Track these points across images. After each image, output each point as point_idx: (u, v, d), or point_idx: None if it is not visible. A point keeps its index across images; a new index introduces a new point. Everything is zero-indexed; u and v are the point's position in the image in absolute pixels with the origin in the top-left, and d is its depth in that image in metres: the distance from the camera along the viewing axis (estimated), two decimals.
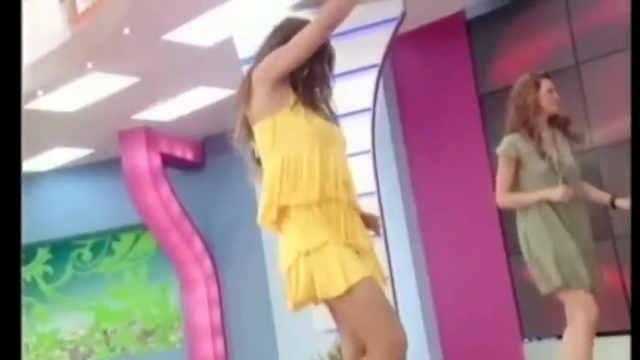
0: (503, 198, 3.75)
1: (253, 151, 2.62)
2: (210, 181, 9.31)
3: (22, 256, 9.61)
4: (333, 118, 2.61)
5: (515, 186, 3.74)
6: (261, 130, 2.51)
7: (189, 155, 9.28)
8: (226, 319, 9.19)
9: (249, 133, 2.59)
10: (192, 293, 9.09)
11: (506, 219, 5.89)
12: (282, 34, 2.55)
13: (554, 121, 3.79)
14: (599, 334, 3.60)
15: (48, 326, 10.03)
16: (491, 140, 6.20)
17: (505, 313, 6.45)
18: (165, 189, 8.71)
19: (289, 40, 2.47)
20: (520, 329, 6.42)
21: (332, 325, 2.75)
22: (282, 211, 2.46)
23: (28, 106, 6.93)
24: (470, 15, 6.77)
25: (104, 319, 9.95)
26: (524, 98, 3.75)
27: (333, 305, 2.44)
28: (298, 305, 2.44)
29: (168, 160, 8.91)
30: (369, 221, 2.64)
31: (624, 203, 3.70)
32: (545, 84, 3.77)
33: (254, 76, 2.52)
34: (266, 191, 2.48)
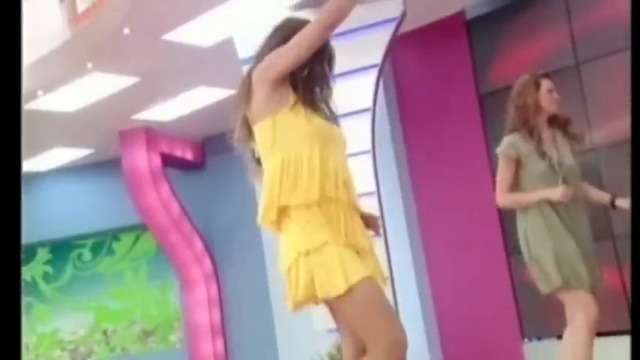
0: (503, 198, 3.75)
1: (253, 151, 2.62)
2: (210, 181, 9.31)
3: (22, 256, 9.61)
4: (333, 118, 2.61)
5: (515, 186, 3.74)
6: (261, 130, 2.51)
7: (189, 155, 9.28)
8: (226, 319, 9.19)
9: (249, 133, 2.59)
10: (192, 293, 9.09)
11: (506, 219, 5.89)
12: (282, 34, 2.55)
13: (554, 121, 3.79)
14: (599, 334, 3.59)
15: (48, 326, 10.03)
16: (491, 140, 6.20)
17: (505, 313, 6.45)
18: (165, 189, 8.71)
19: (289, 40, 2.47)
20: (520, 329, 6.42)
21: (332, 325, 2.75)
22: (282, 211, 2.46)
23: (28, 106, 6.93)
24: (470, 15, 6.78)
25: (104, 319, 9.95)
26: (524, 98, 3.75)
27: (333, 305, 2.44)
28: (298, 305, 2.44)
29: (169, 160, 8.91)
30: (369, 221, 2.64)
31: (624, 203, 3.70)
32: (545, 84, 3.77)
33: (254, 76, 2.52)
34: (266, 191, 2.48)
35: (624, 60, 5.46)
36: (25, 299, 9.82)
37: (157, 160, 8.66)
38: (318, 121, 2.52)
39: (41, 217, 9.18)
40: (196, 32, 6.24)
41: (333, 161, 2.48)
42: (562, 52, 6.14)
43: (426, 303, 6.77)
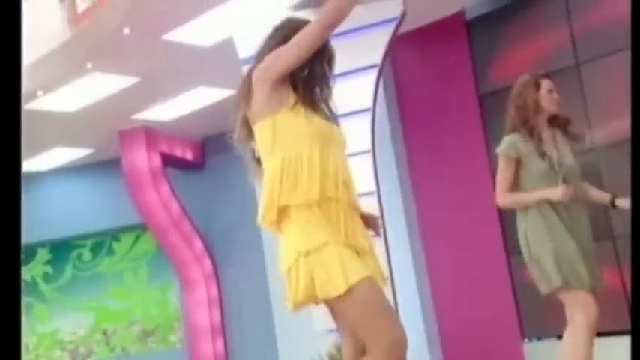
0: (503, 198, 3.75)
1: (253, 151, 2.62)
2: (210, 181, 9.32)
3: (22, 256, 9.61)
4: (333, 118, 2.61)
5: (515, 186, 3.74)
6: (261, 130, 2.51)
7: (189, 155, 9.28)
8: (226, 319, 9.20)
9: (249, 133, 2.59)
10: (192, 293, 9.09)
11: (506, 219, 5.89)
12: (282, 34, 2.55)
13: (554, 121, 3.79)
14: (599, 334, 3.60)
15: (48, 326, 10.03)
16: (491, 140, 6.21)
17: (505, 313, 6.45)
18: (165, 189, 8.71)
19: (289, 40, 2.47)
20: (520, 329, 6.42)
21: (332, 325, 2.75)
22: (282, 211, 2.46)
23: (28, 106, 6.93)
24: (470, 15, 6.78)
25: (104, 319, 9.95)
26: (524, 98, 3.75)
27: (333, 305, 2.44)
28: (298, 305, 2.44)
29: (168, 160, 8.91)
30: (369, 221, 2.64)
31: (624, 203, 3.70)
32: (545, 84, 3.77)
33: (254, 75, 2.52)
34: (266, 191, 2.48)
35: (624, 60, 5.46)
36: (25, 299, 9.82)
37: (157, 160, 8.66)
38: (318, 121, 2.52)
39: (41, 217, 9.18)
40: (196, 32, 6.24)
41: (333, 161, 2.48)
42: (562, 52, 6.14)
43: (426, 303, 6.77)
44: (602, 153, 5.86)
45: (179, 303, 9.52)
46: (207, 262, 9.15)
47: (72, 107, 7.47)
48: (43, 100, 7.06)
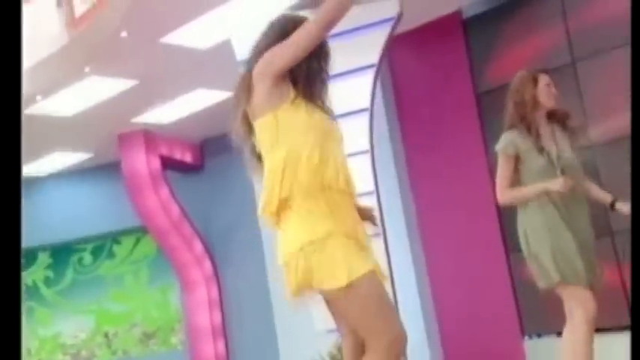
0: (504, 194, 3.76)
1: (253, 147, 2.62)
2: (210, 182, 9.32)
3: (23, 261, 9.62)
4: (330, 113, 2.63)
5: (515, 182, 3.75)
6: (263, 126, 2.52)
7: (188, 157, 9.29)
8: (227, 320, 9.20)
9: (250, 129, 2.60)
10: (192, 295, 9.10)
11: (506, 217, 5.91)
12: (279, 29, 2.56)
13: (552, 116, 3.80)
14: (598, 331, 3.61)
15: (49, 330, 10.04)
16: (489, 139, 6.21)
17: (505, 310, 6.46)
18: (164, 191, 8.72)
19: (287, 36, 2.48)
20: (520, 327, 6.43)
21: (332, 325, 2.76)
22: (284, 203, 2.45)
23: (27, 110, 6.93)
24: (466, 14, 6.79)
25: (105, 322, 9.96)
26: (522, 94, 3.76)
27: (333, 300, 2.44)
28: (297, 294, 2.42)
29: (168, 163, 8.92)
30: (365, 213, 2.65)
31: (624, 208, 3.70)
32: (543, 79, 3.78)
33: (254, 71, 2.52)
34: (267, 184, 2.48)
35: (620, 57, 5.48)
36: (26, 303, 9.84)
37: (157, 163, 8.67)
38: (318, 115, 2.53)
39: (41, 221, 9.19)
40: (194, 35, 6.25)
41: (334, 154, 2.50)
42: (558, 50, 6.15)
43: (426, 302, 6.79)
44: (600, 150, 5.87)
45: (180, 305, 9.53)
46: (208, 264, 9.16)
47: (71, 111, 7.48)
48: (41, 104, 7.06)
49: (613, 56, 5.73)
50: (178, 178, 9.24)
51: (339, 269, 2.34)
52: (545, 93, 3.75)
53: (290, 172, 2.44)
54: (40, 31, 6.65)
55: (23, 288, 9.84)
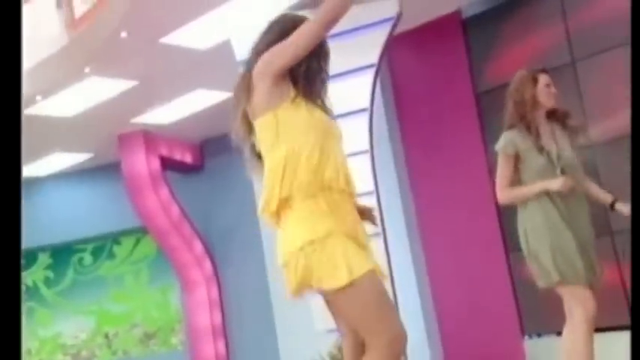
0: (504, 194, 3.76)
1: (253, 146, 2.62)
2: (210, 183, 9.33)
3: (23, 262, 9.64)
4: (329, 112, 2.63)
5: (515, 182, 3.75)
6: (263, 125, 2.52)
7: (188, 158, 9.30)
8: (227, 320, 9.21)
9: (250, 129, 2.60)
10: (192, 295, 9.11)
11: (505, 216, 5.91)
12: (279, 29, 2.57)
13: (552, 115, 3.80)
14: (598, 330, 3.61)
15: (50, 330, 10.04)
16: (488, 138, 6.22)
17: (505, 310, 6.46)
18: (164, 192, 8.72)
19: (287, 36, 2.48)
20: (520, 326, 6.43)
21: (333, 325, 2.76)
22: (284, 202, 2.45)
23: (27, 111, 6.93)
24: (466, 14, 6.79)
25: (106, 322, 9.96)
26: (521, 93, 3.76)
27: (333, 299, 2.44)
28: (297, 293, 2.43)
29: (168, 163, 8.92)
30: (365, 213, 2.65)
31: (624, 209, 3.71)
32: (543, 79, 3.78)
33: (255, 71, 2.52)
34: (268, 183, 2.48)
35: (620, 57, 5.49)
36: (26, 304, 9.85)
37: (156, 164, 8.67)
38: (318, 113, 2.54)
39: (41, 222, 9.20)
40: (194, 35, 6.25)
41: (334, 153, 2.50)
42: (558, 49, 6.16)
43: (426, 301, 6.79)
44: (600, 150, 5.87)
45: (180, 305, 9.54)
46: (208, 264, 9.16)
47: (70, 112, 7.48)
48: (41, 105, 7.06)
49: (613, 56, 5.73)
50: (178, 178, 9.24)
51: (339, 269, 2.34)
52: (545, 93, 3.75)
53: (290, 171, 2.44)
54: (40, 31, 6.65)
55: (23, 288, 9.85)
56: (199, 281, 9.08)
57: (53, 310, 10.08)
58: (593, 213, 3.77)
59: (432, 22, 6.83)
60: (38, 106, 7.07)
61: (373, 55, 5.96)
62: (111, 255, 10.08)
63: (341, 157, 2.53)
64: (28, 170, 8.78)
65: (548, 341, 5.91)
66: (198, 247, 9.07)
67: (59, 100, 7.09)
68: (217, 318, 9.16)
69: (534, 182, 3.67)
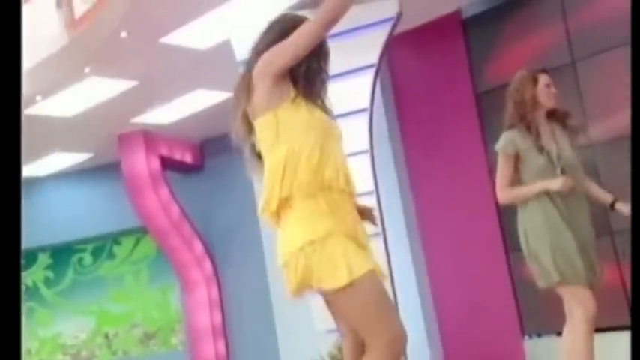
0: (504, 194, 3.76)
1: (253, 146, 2.62)
2: (210, 183, 9.33)
3: (23, 261, 9.64)
4: (329, 112, 2.63)
5: (515, 182, 3.75)
6: (263, 125, 2.52)
7: (188, 158, 9.30)
8: (227, 320, 9.21)
9: (250, 129, 2.60)
10: (193, 295, 9.11)
11: (505, 216, 5.91)
12: (279, 29, 2.57)
13: (552, 115, 3.80)
14: (598, 330, 3.61)
15: (50, 330, 10.05)
16: (488, 138, 6.22)
17: (505, 310, 6.46)
18: (164, 192, 8.73)
19: (287, 36, 2.48)
20: (520, 326, 6.43)
21: (333, 325, 2.76)
22: (284, 202, 2.45)
23: (27, 111, 6.94)
24: (466, 14, 6.79)
25: (106, 322, 9.96)
26: (521, 93, 3.76)
27: (333, 299, 2.44)
28: (297, 293, 2.43)
29: (168, 163, 8.93)
30: (365, 213, 2.65)
31: (624, 209, 3.71)
32: (543, 79, 3.78)
33: (255, 71, 2.52)
34: (268, 183, 2.48)
35: (620, 57, 5.49)
36: (26, 304, 9.85)
37: (156, 164, 8.68)
38: (318, 113, 2.54)
39: (41, 222, 9.20)
40: (194, 35, 6.25)
41: (334, 153, 2.50)
42: (558, 49, 6.16)
43: (426, 301, 6.79)
44: (600, 150, 5.88)
45: (180, 305, 9.54)
46: (208, 264, 9.17)
47: (70, 112, 7.48)
48: (41, 105, 7.07)
49: (613, 56, 5.73)
50: (178, 178, 9.25)
51: (339, 269, 2.34)
52: (545, 93, 3.76)
53: (290, 171, 2.44)
54: (40, 31, 6.65)
55: (23, 288, 9.86)
56: (199, 281, 9.08)
57: (53, 310, 10.09)
58: (593, 213, 3.77)
59: (432, 22, 6.83)
60: (38, 106, 7.07)
61: (373, 55, 5.96)
62: (111, 255, 10.08)
63: (341, 157, 2.53)
64: (28, 170, 8.78)
65: (548, 341, 5.91)
66: (198, 247, 9.08)
67: (59, 100, 7.09)
68: (217, 318, 9.17)
69: (534, 182, 3.67)
